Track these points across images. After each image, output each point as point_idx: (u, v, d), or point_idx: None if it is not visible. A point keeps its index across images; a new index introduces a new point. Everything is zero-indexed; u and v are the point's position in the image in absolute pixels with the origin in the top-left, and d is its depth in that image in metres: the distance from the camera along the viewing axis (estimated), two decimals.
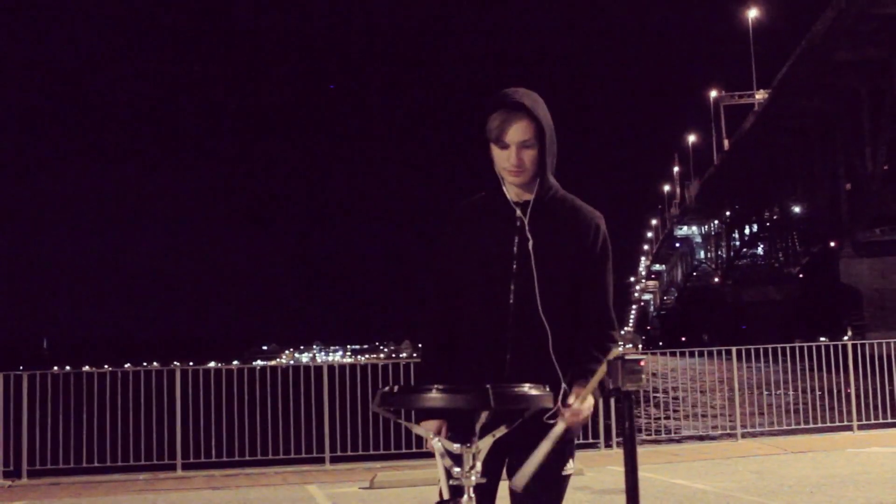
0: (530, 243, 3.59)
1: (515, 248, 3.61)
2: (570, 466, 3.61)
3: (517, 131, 3.55)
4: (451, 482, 3.10)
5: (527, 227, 3.62)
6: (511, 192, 3.67)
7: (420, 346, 3.88)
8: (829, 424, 15.98)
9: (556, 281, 3.59)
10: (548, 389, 3.13)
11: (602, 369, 3.40)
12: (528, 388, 3.05)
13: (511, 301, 3.58)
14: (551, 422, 3.39)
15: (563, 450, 3.55)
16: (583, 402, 3.46)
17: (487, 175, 3.71)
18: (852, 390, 15.49)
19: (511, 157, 3.57)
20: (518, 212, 3.65)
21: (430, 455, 3.29)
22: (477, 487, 3.17)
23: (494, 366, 3.53)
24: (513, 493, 3.52)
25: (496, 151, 3.62)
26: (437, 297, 3.76)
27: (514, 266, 3.59)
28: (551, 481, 3.54)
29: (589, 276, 3.66)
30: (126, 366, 16.24)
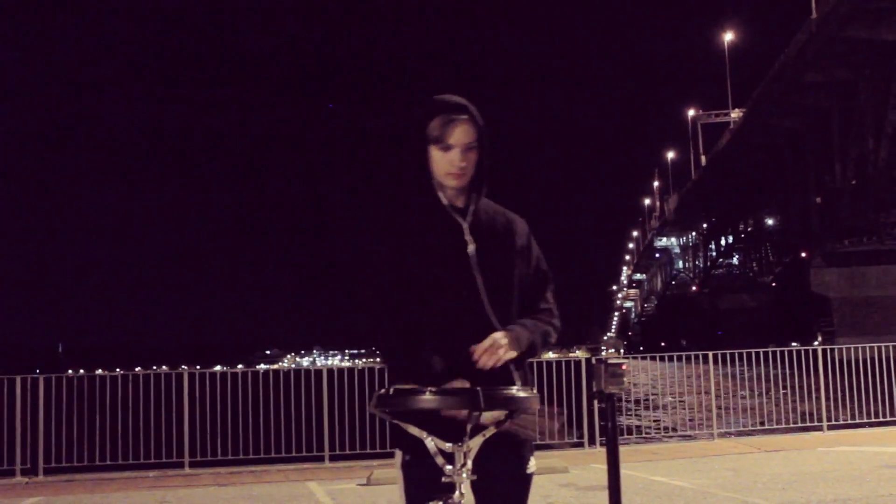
0: (471, 247, 3.41)
1: (458, 254, 3.41)
2: (533, 464, 3.48)
3: (462, 133, 3.38)
4: (443, 479, 3.10)
5: (467, 232, 3.44)
6: (447, 197, 3.48)
7: (391, 352, 3.42)
8: (800, 425, 16.00)
9: (500, 283, 3.43)
10: (535, 391, 3.14)
11: (532, 335, 3.39)
12: (516, 391, 3.06)
13: (460, 306, 3.37)
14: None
15: (523, 450, 3.45)
16: (502, 340, 3.28)
17: (422, 181, 3.48)
18: (822, 392, 15.51)
19: (455, 159, 3.38)
20: (458, 217, 3.46)
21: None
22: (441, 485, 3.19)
23: (449, 372, 3.29)
24: (476, 492, 3.48)
25: (436, 155, 3.42)
26: (385, 307, 3.41)
27: (459, 271, 3.40)
28: (519, 480, 3.45)
29: (534, 273, 3.54)
30: (136, 369, 16.14)
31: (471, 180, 3.48)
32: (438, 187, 3.49)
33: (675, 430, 17.02)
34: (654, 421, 19.42)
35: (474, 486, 3.43)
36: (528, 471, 3.48)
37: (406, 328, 3.41)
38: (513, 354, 3.33)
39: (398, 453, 3.45)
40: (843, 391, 16.05)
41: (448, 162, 3.41)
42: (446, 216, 3.47)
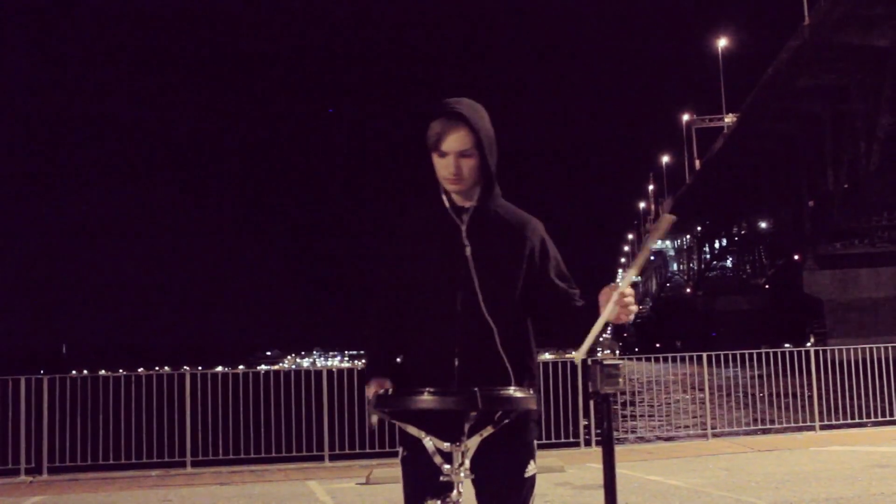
0: (467, 249, 3.42)
1: (455, 255, 3.43)
2: (532, 467, 3.47)
3: (455, 141, 3.38)
4: (441, 478, 3.10)
5: (463, 234, 3.45)
6: (454, 199, 3.50)
7: (365, 354, 3.58)
8: (793, 425, 16.01)
9: (499, 284, 3.43)
10: (531, 392, 3.14)
11: (649, 240, 3.34)
12: (513, 391, 3.06)
13: (457, 307, 3.38)
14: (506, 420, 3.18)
15: (523, 453, 3.45)
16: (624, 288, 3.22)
17: (428, 182, 3.52)
18: (814, 393, 15.52)
19: (449, 165, 3.40)
20: (456, 219, 3.47)
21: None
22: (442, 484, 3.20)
23: (444, 370, 3.35)
24: (478, 492, 3.47)
25: (436, 160, 3.44)
26: (380, 309, 3.55)
27: (456, 272, 3.41)
28: (515, 483, 3.43)
29: (556, 274, 3.52)
30: (139, 370, 16.15)
31: (474, 183, 3.48)
32: (444, 189, 3.51)
33: (669, 429, 17.02)
34: (650, 421, 19.42)
35: (476, 489, 3.43)
36: (528, 474, 3.47)
37: (389, 327, 3.52)
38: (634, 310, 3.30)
39: (400, 448, 3.48)
40: (835, 392, 16.06)
41: (443, 167, 3.43)
42: (447, 218, 3.49)
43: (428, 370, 3.40)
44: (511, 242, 3.50)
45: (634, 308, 3.27)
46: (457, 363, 3.38)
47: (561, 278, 3.56)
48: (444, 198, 3.52)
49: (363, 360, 3.63)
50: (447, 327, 3.40)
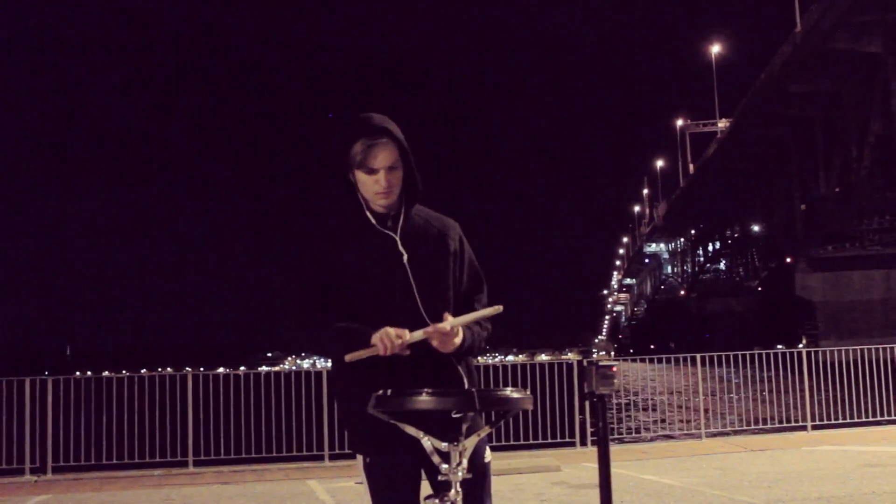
0: (405, 258, 3.46)
1: (395, 264, 3.46)
2: (489, 454, 3.50)
3: (384, 156, 3.43)
4: (439, 478, 3.11)
5: (399, 244, 3.49)
6: (375, 209, 3.52)
7: (337, 335, 3.44)
8: (785, 424, 16.00)
9: (435, 288, 3.48)
10: (528, 392, 3.15)
11: (478, 313, 3.39)
12: (510, 392, 3.07)
13: (398, 314, 3.38)
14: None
15: (481, 441, 3.41)
16: (449, 327, 3.29)
17: (349, 199, 3.56)
18: (806, 393, 15.52)
19: (381, 181, 3.43)
20: (389, 231, 3.51)
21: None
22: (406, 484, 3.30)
23: (394, 374, 3.34)
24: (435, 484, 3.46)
25: (361, 177, 3.47)
26: (320, 307, 3.50)
27: (398, 280, 3.44)
28: (480, 469, 3.41)
29: (468, 274, 3.60)
30: (142, 371, 16.18)
31: (399, 193, 3.54)
32: (367, 204, 3.55)
33: (664, 429, 17.01)
34: (644, 421, 19.42)
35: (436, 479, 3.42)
36: (487, 460, 3.51)
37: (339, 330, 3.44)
38: (456, 345, 3.37)
39: (359, 456, 3.47)
40: (826, 392, 16.06)
41: (375, 183, 3.47)
42: (377, 232, 3.52)
43: (378, 374, 3.36)
44: (438, 246, 3.56)
45: (450, 342, 3.34)
46: (409, 366, 3.37)
47: (473, 279, 3.64)
48: (367, 212, 3.54)
49: (332, 342, 3.47)
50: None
